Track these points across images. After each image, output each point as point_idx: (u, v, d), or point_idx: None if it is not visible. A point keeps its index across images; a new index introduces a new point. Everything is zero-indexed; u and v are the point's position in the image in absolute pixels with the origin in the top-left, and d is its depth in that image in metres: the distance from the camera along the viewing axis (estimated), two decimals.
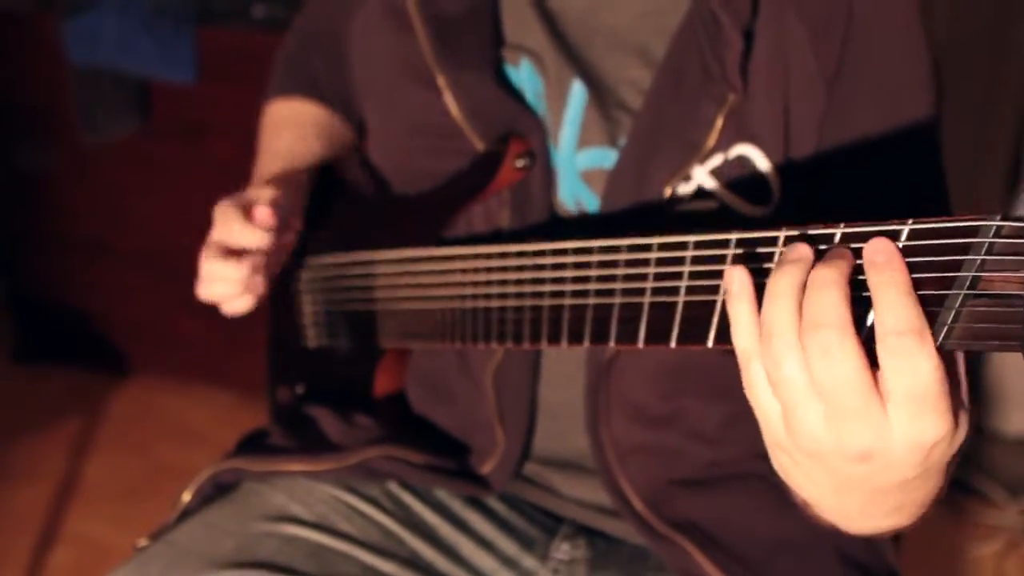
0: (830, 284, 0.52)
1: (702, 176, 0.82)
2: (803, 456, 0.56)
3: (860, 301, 0.53)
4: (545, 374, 0.92)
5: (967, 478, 2.12)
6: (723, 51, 0.79)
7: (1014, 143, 2.09)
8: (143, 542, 0.92)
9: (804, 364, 0.52)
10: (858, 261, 0.53)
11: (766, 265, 0.58)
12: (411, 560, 0.92)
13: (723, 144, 0.81)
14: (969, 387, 0.85)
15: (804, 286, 0.53)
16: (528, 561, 0.95)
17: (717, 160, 0.81)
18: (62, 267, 2.56)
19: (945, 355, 0.51)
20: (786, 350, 0.53)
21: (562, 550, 0.95)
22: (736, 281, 0.57)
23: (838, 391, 0.51)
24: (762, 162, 0.81)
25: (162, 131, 2.34)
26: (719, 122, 0.80)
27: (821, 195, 0.81)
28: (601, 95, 0.86)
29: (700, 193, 0.82)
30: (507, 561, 0.95)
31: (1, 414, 2.44)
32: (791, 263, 0.54)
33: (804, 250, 0.55)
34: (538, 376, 0.92)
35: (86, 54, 2.25)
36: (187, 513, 0.94)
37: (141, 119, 2.33)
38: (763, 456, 0.90)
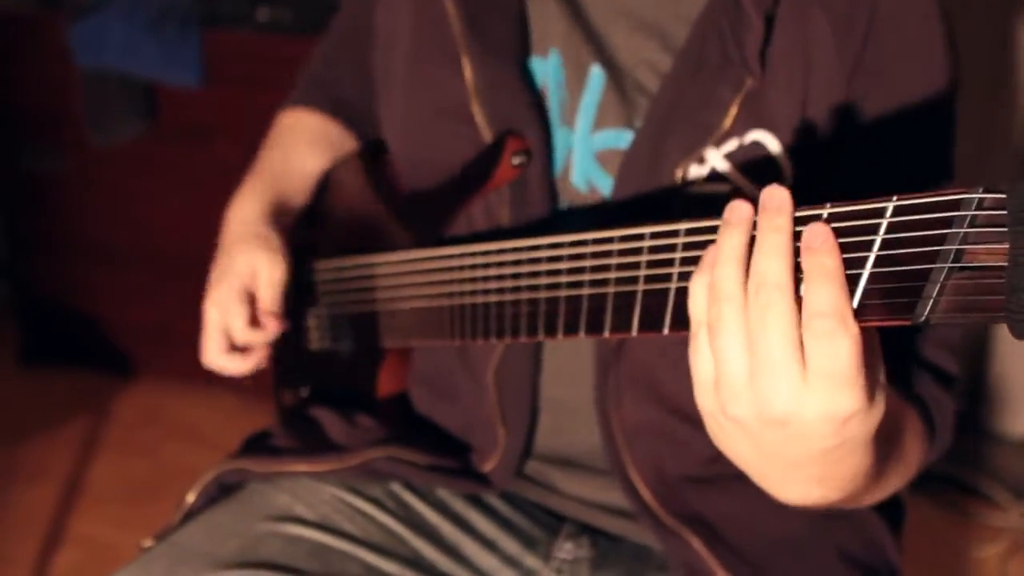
0: (778, 250, 0.55)
1: (716, 159, 0.83)
2: (727, 420, 0.58)
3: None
4: (547, 369, 0.93)
5: (971, 480, 2.12)
6: (743, 34, 0.80)
7: (1021, 135, 2.09)
8: (148, 543, 0.92)
9: (744, 319, 0.55)
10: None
11: None
12: (414, 560, 0.92)
13: (739, 129, 0.82)
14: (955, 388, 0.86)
15: (748, 244, 0.56)
16: (531, 560, 0.95)
17: (732, 144, 0.83)
18: (68, 269, 2.57)
19: (866, 334, 0.54)
20: (730, 305, 0.56)
21: (565, 549, 0.96)
22: (710, 252, 0.59)
23: (767, 342, 0.54)
24: (776, 148, 0.83)
25: (168, 134, 2.35)
26: (735, 105, 0.81)
27: (832, 183, 0.83)
28: (620, 77, 0.87)
29: (713, 176, 0.83)
30: (509, 560, 0.95)
31: (7, 416, 2.45)
32: (735, 225, 0.57)
33: (745, 210, 0.57)
34: (539, 372, 0.92)
35: (92, 57, 2.26)
36: (191, 514, 0.95)
37: (147, 122, 2.34)
38: None
